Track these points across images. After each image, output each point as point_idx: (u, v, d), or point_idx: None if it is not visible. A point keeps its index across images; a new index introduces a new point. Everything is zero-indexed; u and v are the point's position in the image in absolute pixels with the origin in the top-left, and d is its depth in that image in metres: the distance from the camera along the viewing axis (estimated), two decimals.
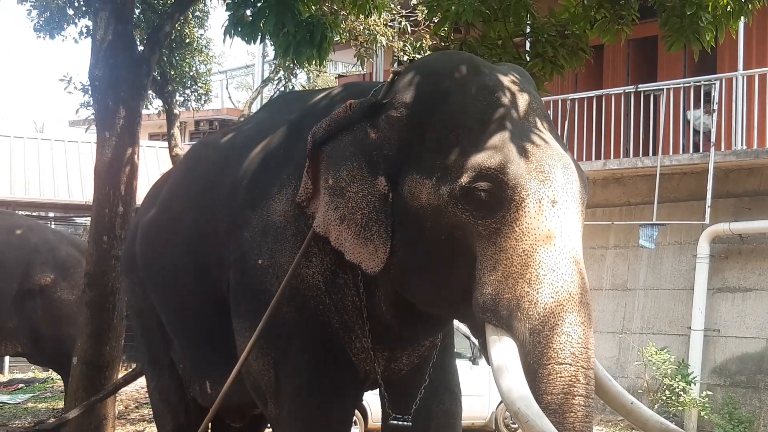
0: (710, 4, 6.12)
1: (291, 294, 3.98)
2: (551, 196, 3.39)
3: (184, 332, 4.91)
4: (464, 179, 3.43)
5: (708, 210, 12.30)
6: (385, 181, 3.67)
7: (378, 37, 12.32)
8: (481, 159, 3.43)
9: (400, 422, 4.20)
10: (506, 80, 3.70)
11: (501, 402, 11.57)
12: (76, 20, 11.71)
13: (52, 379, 15.06)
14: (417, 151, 3.62)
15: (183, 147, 14.55)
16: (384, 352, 4.11)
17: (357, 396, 4.38)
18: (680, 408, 11.62)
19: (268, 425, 5.71)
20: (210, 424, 4.80)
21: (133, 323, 5.55)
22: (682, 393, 11.77)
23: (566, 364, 3.20)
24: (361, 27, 12.36)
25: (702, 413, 11.77)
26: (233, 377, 4.16)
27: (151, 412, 12.42)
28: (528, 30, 6.99)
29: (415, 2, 12.63)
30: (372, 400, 8.09)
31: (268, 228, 4.07)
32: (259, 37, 6.93)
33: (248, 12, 6.95)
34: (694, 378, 12.02)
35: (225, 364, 4.29)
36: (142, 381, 15.46)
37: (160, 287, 4.99)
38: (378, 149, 3.71)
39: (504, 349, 3.29)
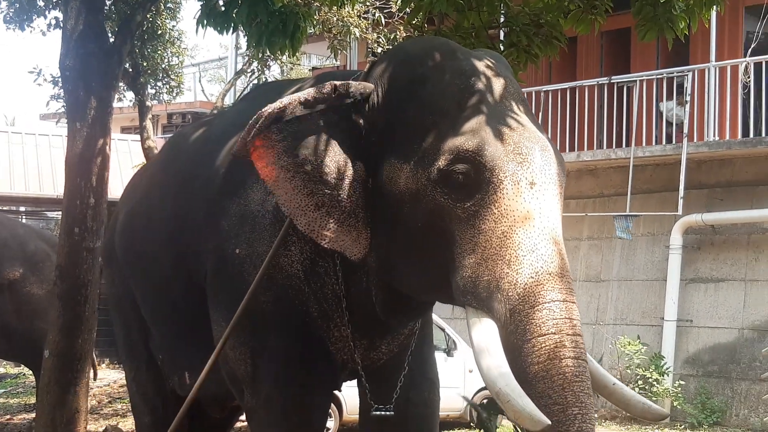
0: None
1: (268, 283, 3.95)
2: (529, 177, 3.38)
3: (162, 323, 4.88)
4: (442, 162, 3.42)
5: (681, 201, 12.37)
6: (364, 167, 3.66)
7: (352, 28, 12.27)
8: (459, 142, 3.42)
9: (383, 412, 4.17)
10: (482, 65, 3.69)
11: (476, 393, 11.58)
12: (46, 12, 11.57)
13: (24, 374, 14.95)
14: (395, 137, 3.60)
15: (155, 140, 14.45)
16: (362, 340, 4.09)
17: (334, 385, 4.35)
18: (653, 398, 11.67)
19: (242, 417, 5.70)
20: (191, 416, 4.79)
21: (111, 314, 5.52)
22: (655, 383, 11.84)
23: (550, 333, 3.17)
24: (335, 18, 12.31)
25: (675, 403, 11.85)
26: (209, 366, 4.13)
27: (124, 407, 12.42)
28: (502, 19, 6.98)
29: None
30: (347, 392, 8.06)
31: (246, 217, 4.04)
32: (232, 26, 6.87)
33: (221, 2, 6.89)
34: (667, 369, 12.09)
35: (203, 355, 4.25)
36: (114, 376, 15.44)
37: (138, 278, 4.96)
38: (357, 134, 3.68)
39: (484, 330, 3.28)
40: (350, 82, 3.76)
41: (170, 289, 4.63)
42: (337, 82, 3.73)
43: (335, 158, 3.64)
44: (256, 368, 4.06)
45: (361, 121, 3.70)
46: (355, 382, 4.44)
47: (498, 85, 3.63)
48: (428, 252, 3.53)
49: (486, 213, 3.35)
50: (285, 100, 3.69)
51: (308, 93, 3.70)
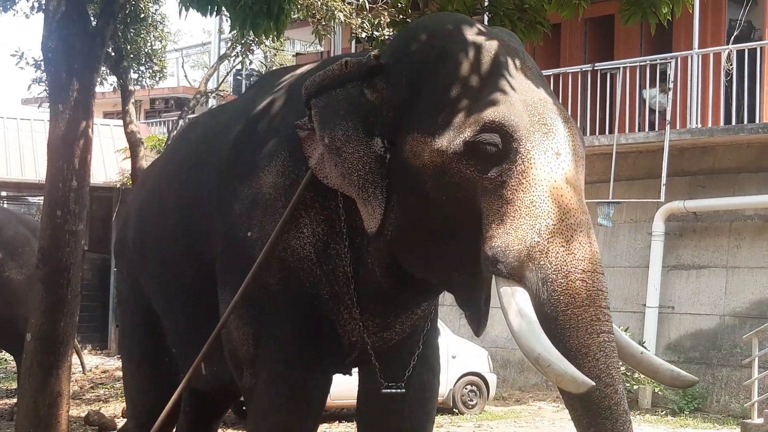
0: None
1: (279, 266, 3.96)
2: (555, 147, 3.44)
3: (174, 314, 4.81)
4: (468, 133, 3.45)
5: (663, 188, 12.42)
6: (382, 143, 3.69)
7: (336, 13, 12.22)
8: (485, 113, 3.46)
9: (394, 390, 4.19)
10: (502, 41, 3.73)
11: (459, 379, 11.62)
12: None
13: (6, 360, 14.89)
14: (417, 111, 3.63)
15: (138, 124, 14.39)
16: (375, 320, 4.09)
17: (340, 369, 4.34)
18: (635, 385, 11.74)
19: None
20: (203, 403, 4.90)
21: (118, 310, 5.48)
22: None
23: (585, 306, 3.25)
24: (319, 3, 12.26)
25: (656, 389, 11.92)
26: (210, 342, 4.13)
27: (106, 393, 12.40)
28: (486, 3, 6.97)
29: None
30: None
31: (258, 200, 4.03)
32: (215, 9, 6.83)
33: None
34: None
35: (216, 344, 4.23)
36: (96, 361, 15.37)
37: (150, 269, 4.90)
38: (375, 110, 3.72)
39: (518, 299, 3.31)
40: (360, 58, 3.80)
41: (182, 278, 4.59)
42: (348, 59, 3.79)
43: (348, 132, 3.70)
44: (258, 348, 4.05)
45: (375, 96, 3.73)
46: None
47: (518, 60, 3.67)
48: (450, 226, 3.56)
49: (514, 183, 3.39)
50: (312, 79, 3.82)
51: (326, 72, 3.79)
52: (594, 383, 3.12)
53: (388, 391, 4.17)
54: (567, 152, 3.46)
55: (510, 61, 3.64)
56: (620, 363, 3.35)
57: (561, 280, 3.27)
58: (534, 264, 3.31)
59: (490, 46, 3.66)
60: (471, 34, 3.72)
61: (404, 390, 4.20)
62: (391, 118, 3.69)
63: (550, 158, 3.41)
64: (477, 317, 3.65)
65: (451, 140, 3.48)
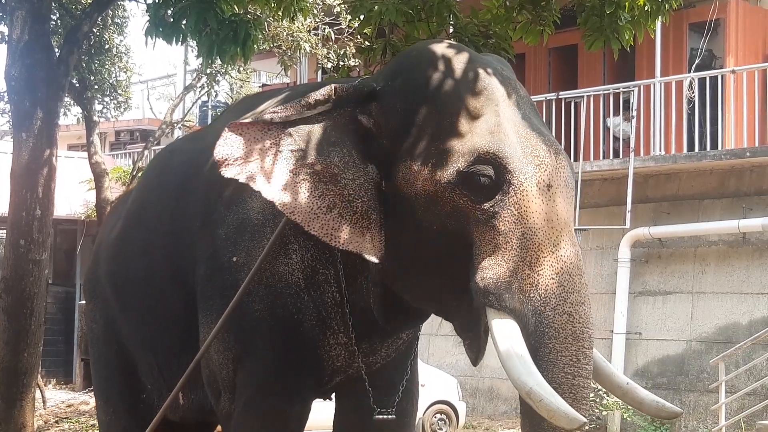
0: (628, 4, 6.23)
1: (265, 291, 3.90)
2: (546, 180, 3.45)
3: (158, 345, 4.63)
4: (461, 164, 3.45)
5: (628, 215, 12.52)
6: (376, 170, 3.65)
7: (302, 43, 12.28)
8: (479, 143, 3.46)
9: (385, 416, 4.13)
10: (496, 69, 3.73)
11: (428, 407, 11.57)
12: None
13: None
14: (411, 139, 3.60)
15: (102, 155, 14.31)
16: (362, 344, 4.04)
17: (318, 394, 4.26)
18: (603, 411, 11.75)
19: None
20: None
21: (89, 351, 5.31)
22: (605, 395, 11.91)
23: (567, 343, 3.29)
24: (285, 33, 12.31)
25: (624, 415, 11.92)
26: (191, 368, 4.05)
27: (72, 427, 12.23)
28: (451, 30, 7.01)
29: (338, 9, 12.62)
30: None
31: (245, 225, 3.97)
32: (181, 37, 6.83)
33: (169, 12, 6.85)
34: None
35: (199, 371, 4.15)
36: (62, 396, 15.17)
37: (130, 300, 4.72)
38: (369, 136, 3.68)
39: (509, 331, 3.32)
40: (351, 84, 3.76)
41: (165, 306, 4.47)
42: (337, 85, 3.73)
43: (345, 158, 3.64)
44: (237, 373, 3.99)
45: (368, 122, 3.69)
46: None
47: (511, 90, 3.67)
48: (443, 255, 3.54)
49: (506, 215, 3.40)
50: (286, 106, 3.68)
51: (310, 97, 3.69)
52: (585, 419, 3.13)
53: (380, 417, 4.11)
54: (558, 184, 3.47)
55: (504, 91, 3.64)
56: (588, 400, 3.38)
57: (549, 312, 3.30)
58: (525, 296, 3.33)
59: (485, 75, 3.66)
60: (466, 62, 3.71)
61: (394, 416, 4.15)
62: (385, 144, 3.66)
63: (542, 190, 3.42)
64: (477, 345, 3.59)
65: (444, 170, 3.47)
